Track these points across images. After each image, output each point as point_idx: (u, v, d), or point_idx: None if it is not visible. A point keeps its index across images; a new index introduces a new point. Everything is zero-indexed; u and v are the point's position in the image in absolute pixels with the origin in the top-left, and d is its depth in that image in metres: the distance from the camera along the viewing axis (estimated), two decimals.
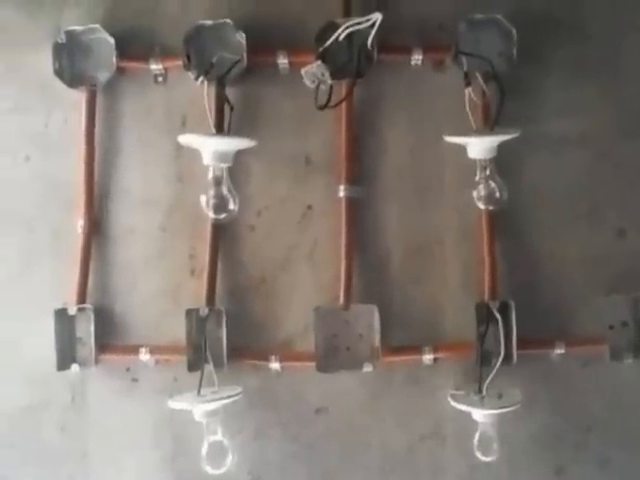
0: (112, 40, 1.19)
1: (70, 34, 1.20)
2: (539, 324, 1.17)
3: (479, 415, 1.11)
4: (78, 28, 1.20)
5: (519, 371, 1.15)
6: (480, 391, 1.12)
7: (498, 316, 1.13)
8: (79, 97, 1.21)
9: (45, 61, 1.19)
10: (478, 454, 1.13)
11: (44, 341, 1.17)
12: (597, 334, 1.17)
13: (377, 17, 1.13)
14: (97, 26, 1.19)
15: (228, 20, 1.18)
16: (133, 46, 1.21)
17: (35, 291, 1.21)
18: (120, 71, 1.21)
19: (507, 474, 1.17)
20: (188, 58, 1.18)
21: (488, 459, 1.13)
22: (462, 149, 1.15)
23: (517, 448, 1.17)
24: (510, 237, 1.20)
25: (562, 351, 1.16)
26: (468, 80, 1.17)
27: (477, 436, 1.13)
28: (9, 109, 1.24)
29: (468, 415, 1.12)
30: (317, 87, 1.14)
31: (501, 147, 1.13)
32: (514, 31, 1.16)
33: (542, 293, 1.20)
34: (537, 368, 1.18)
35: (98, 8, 1.22)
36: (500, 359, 1.12)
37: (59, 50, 1.20)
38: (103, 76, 1.21)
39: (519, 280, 1.19)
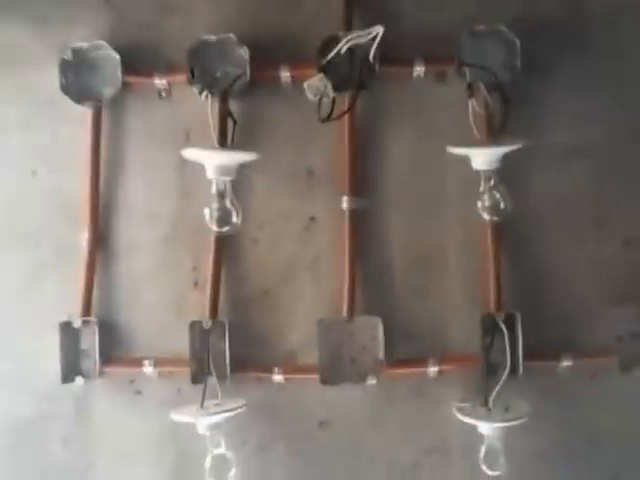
0: (117, 56, 1.20)
1: (76, 51, 1.22)
2: (545, 336, 1.16)
3: (486, 428, 1.10)
4: (84, 45, 1.22)
5: (526, 383, 1.13)
6: (486, 404, 1.11)
7: (504, 328, 1.12)
8: (85, 113, 1.22)
9: (51, 78, 1.21)
10: (484, 468, 1.11)
11: (49, 354, 1.17)
12: (605, 345, 1.15)
13: (379, 30, 1.13)
14: (103, 42, 1.21)
15: (231, 35, 1.19)
16: (138, 62, 1.22)
17: (40, 304, 1.22)
18: (125, 87, 1.22)
19: None
20: (192, 73, 1.19)
21: (495, 473, 1.11)
22: (465, 160, 1.15)
23: (524, 462, 1.15)
24: (515, 248, 1.19)
25: (569, 363, 1.14)
26: (471, 91, 1.17)
27: (483, 450, 1.11)
28: (16, 125, 1.25)
29: (474, 428, 1.10)
30: (320, 100, 1.14)
31: (505, 157, 1.13)
32: (517, 41, 1.16)
33: (548, 304, 1.18)
34: (544, 380, 1.16)
35: (103, 25, 1.24)
36: (506, 371, 1.11)
37: (66, 67, 1.22)
38: (108, 92, 1.22)
39: (525, 291, 1.18)
